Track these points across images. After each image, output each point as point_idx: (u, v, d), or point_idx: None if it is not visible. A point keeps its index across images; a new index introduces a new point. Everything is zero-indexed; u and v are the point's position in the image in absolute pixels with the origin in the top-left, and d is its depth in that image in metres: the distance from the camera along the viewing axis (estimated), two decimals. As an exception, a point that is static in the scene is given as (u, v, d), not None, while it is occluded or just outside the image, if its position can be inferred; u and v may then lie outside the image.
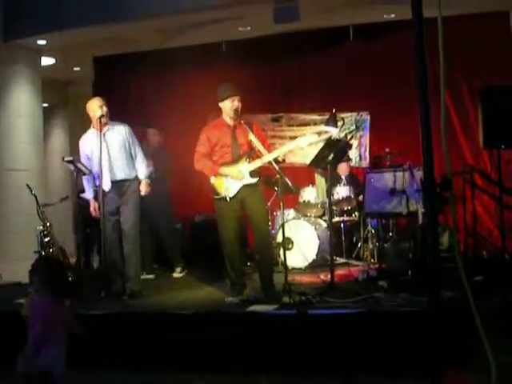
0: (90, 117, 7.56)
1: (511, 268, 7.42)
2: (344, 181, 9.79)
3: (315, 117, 10.83)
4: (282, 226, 7.33)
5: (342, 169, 9.86)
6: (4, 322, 6.78)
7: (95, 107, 7.51)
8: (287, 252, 7.76)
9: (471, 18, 9.68)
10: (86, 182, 7.66)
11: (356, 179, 9.96)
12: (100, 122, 7.40)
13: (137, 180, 7.65)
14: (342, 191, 9.46)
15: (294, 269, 8.89)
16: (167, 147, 9.77)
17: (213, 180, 7.08)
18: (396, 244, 7.90)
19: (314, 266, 9.00)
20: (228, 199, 7.00)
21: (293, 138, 10.67)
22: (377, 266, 8.27)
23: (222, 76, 9.31)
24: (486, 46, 9.57)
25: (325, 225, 9.44)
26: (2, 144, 9.59)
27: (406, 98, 8.68)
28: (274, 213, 9.65)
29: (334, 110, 7.68)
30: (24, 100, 10.01)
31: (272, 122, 11.11)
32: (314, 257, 9.06)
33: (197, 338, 6.21)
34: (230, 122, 7.13)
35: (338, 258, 8.98)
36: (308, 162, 7.59)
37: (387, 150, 9.30)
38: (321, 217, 9.77)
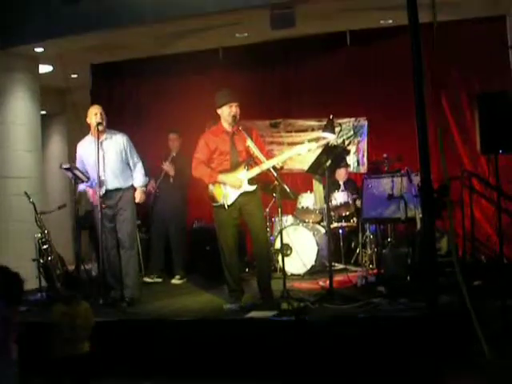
0: (89, 123, 7.59)
1: (509, 273, 7.41)
2: (342, 186, 9.78)
3: (313, 123, 10.83)
4: (281, 232, 7.34)
5: (340, 175, 9.86)
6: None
7: (91, 114, 7.58)
8: (286, 258, 7.77)
9: (468, 23, 9.68)
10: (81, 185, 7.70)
11: (354, 185, 9.96)
12: (97, 129, 7.42)
13: (132, 189, 7.67)
14: (340, 197, 9.46)
15: (292, 275, 8.90)
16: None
17: (211, 187, 7.09)
18: (394, 249, 7.90)
19: (312, 272, 9.00)
20: (226, 207, 7.00)
21: (291, 143, 10.67)
22: (375, 271, 8.26)
23: (219, 82, 9.34)
24: (483, 50, 9.56)
25: (323, 231, 9.44)
26: (0, 151, 9.57)
27: (403, 104, 8.69)
28: (273, 219, 9.66)
29: (331, 116, 7.69)
30: (22, 107, 10.00)
31: (270, 128, 11.10)
32: (312, 263, 9.05)
33: (195, 344, 6.20)
34: (229, 129, 7.14)
35: (336, 264, 8.97)
36: (306, 167, 7.59)
37: (385, 155, 9.28)
38: (319, 223, 9.77)
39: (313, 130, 10.78)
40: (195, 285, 9.02)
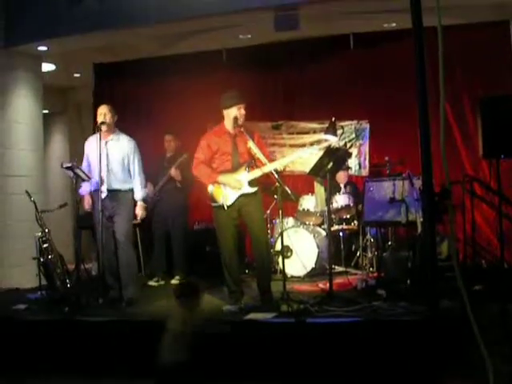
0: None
1: (510, 277, 7.40)
2: (343, 189, 9.78)
3: (315, 125, 10.83)
4: (281, 234, 7.33)
5: (341, 177, 9.86)
6: (2, 327, 6.78)
7: (97, 113, 7.61)
8: (286, 260, 7.76)
9: (472, 28, 9.68)
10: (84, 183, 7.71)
11: (355, 188, 9.95)
12: (99, 128, 7.43)
13: (131, 191, 7.68)
14: (341, 200, 9.46)
15: (292, 277, 8.90)
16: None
17: (211, 187, 7.08)
18: (395, 253, 7.89)
19: (312, 275, 8.99)
20: (226, 207, 6.99)
21: (293, 145, 10.69)
22: (375, 274, 8.26)
23: (222, 83, 9.35)
24: (486, 55, 9.57)
25: (324, 233, 9.44)
26: (1, 150, 9.56)
27: (405, 107, 8.70)
28: (273, 221, 9.66)
29: (333, 119, 7.69)
30: (24, 106, 10.00)
31: (272, 130, 11.11)
32: (312, 265, 9.05)
33: (194, 345, 6.19)
34: (231, 130, 7.13)
35: (336, 267, 8.96)
36: (307, 170, 7.58)
37: (387, 158, 9.27)
38: (320, 225, 9.76)
39: (315, 132, 10.79)
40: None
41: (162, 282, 9.42)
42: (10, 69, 9.77)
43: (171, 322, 4.96)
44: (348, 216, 9.47)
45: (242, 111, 7.08)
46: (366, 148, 10.71)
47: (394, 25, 9.88)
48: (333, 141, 7.90)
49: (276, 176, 6.85)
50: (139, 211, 7.73)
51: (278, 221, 9.23)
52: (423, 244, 6.81)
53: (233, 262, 7.15)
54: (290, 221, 9.68)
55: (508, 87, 8.94)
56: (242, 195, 6.99)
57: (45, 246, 8.15)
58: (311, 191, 9.79)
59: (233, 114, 7.07)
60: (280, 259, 7.87)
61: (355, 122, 10.69)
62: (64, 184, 12.87)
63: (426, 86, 2.89)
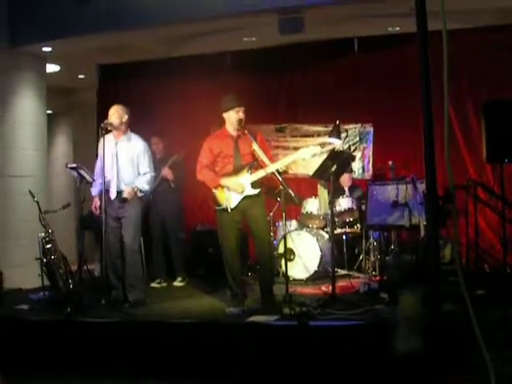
0: None
1: (513, 282, 7.40)
2: (347, 192, 9.78)
3: (319, 128, 10.84)
4: (284, 236, 7.33)
5: (345, 180, 9.85)
6: (5, 327, 6.79)
7: (108, 114, 7.62)
8: (289, 263, 7.77)
9: (476, 32, 9.68)
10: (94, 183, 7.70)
11: (359, 191, 9.95)
12: (102, 128, 7.44)
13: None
14: (344, 203, 9.45)
15: (295, 280, 8.88)
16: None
17: (214, 191, 7.09)
18: (398, 256, 7.90)
19: (315, 278, 8.99)
20: (229, 210, 7.00)
21: (296, 148, 10.61)
22: (378, 278, 8.24)
23: (226, 86, 9.35)
24: (490, 59, 9.56)
25: (327, 236, 9.43)
26: (5, 150, 9.58)
27: (409, 111, 8.70)
28: (277, 223, 9.65)
29: (337, 122, 7.69)
30: (28, 106, 10.02)
31: (276, 133, 11.12)
32: (315, 268, 9.04)
33: (196, 347, 6.20)
34: (233, 133, 7.14)
35: (339, 270, 8.95)
36: (311, 173, 7.58)
37: (390, 162, 9.27)
38: (323, 228, 9.76)
39: (319, 135, 10.79)
40: (197, 288, 9.01)
41: (165, 284, 9.42)
42: (15, 69, 9.79)
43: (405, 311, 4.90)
44: (351, 219, 9.45)
45: (241, 114, 7.07)
46: (369, 151, 10.71)
47: (398, 28, 9.88)
48: (337, 144, 7.90)
49: (280, 178, 6.85)
50: (129, 189, 7.53)
51: (281, 223, 9.22)
52: (426, 248, 6.83)
53: (235, 265, 7.15)
54: (293, 224, 9.67)
55: (512, 92, 8.93)
56: (246, 197, 6.99)
57: (48, 246, 8.15)
58: (314, 194, 9.78)
59: (232, 117, 7.07)
60: (283, 262, 7.86)
61: (359, 125, 10.69)
62: (67, 184, 12.91)
63: (431, 90, 2.89)
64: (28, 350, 6.55)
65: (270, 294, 7.11)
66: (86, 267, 8.88)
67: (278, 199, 8.63)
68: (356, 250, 9.70)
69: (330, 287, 7.14)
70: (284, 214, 7.26)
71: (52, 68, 11.10)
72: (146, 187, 7.68)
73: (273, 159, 7.17)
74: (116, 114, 7.57)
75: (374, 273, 8.93)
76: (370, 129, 10.68)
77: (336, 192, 8.73)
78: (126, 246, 7.56)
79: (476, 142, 9.47)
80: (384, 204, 7.61)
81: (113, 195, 7.51)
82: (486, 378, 3.03)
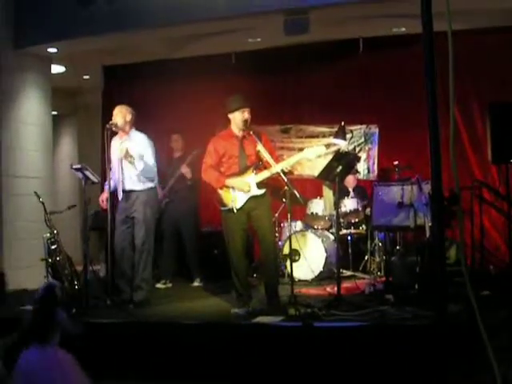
0: None
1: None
2: (352, 193, 9.78)
3: (324, 129, 10.83)
4: (289, 237, 7.32)
5: (350, 181, 9.84)
6: (10, 328, 6.79)
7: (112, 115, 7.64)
8: (294, 264, 7.76)
9: (481, 33, 9.67)
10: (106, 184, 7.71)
11: (364, 192, 9.95)
12: (107, 129, 7.45)
13: (146, 191, 7.64)
14: (349, 204, 9.45)
15: (300, 281, 8.88)
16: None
17: (220, 191, 7.09)
18: (403, 257, 7.88)
19: (320, 279, 8.99)
20: (235, 211, 6.99)
21: (301, 149, 10.58)
22: (383, 279, 8.23)
23: (231, 86, 9.35)
24: (496, 60, 9.55)
25: (332, 237, 9.43)
26: (10, 151, 9.59)
27: (415, 112, 8.68)
28: (282, 224, 9.64)
29: (342, 123, 7.69)
30: (34, 107, 10.03)
31: (281, 134, 11.12)
32: (320, 269, 9.04)
33: (202, 348, 6.20)
34: (238, 133, 7.14)
35: (344, 271, 8.95)
36: (316, 173, 7.58)
37: (395, 163, 9.26)
38: (328, 229, 9.76)
39: (324, 136, 10.78)
40: (203, 289, 9.02)
41: (170, 285, 9.40)
42: (20, 70, 9.80)
43: None
44: (356, 220, 9.45)
45: (246, 115, 7.07)
46: (374, 152, 10.70)
47: (403, 29, 9.87)
48: (342, 145, 7.90)
49: (285, 179, 6.85)
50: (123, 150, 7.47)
51: (286, 224, 9.22)
52: (431, 249, 6.82)
53: (241, 266, 7.16)
54: (298, 224, 9.66)
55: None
56: (251, 198, 6.99)
57: (53, 247, 8.16)
58: (320, 195, 9.77)
59: (237, 117, 7.08)
60: (288, 263, 7.86)
61: (364, 126, 10.69)
62: (73, 185, 12.93)
63: (436, 91, 2.88)
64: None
65: (275, 294, 7.11)
66: (91, 268, 8.88)
67: (284, 200, 8.62)
68: (361, 251, 9.69)
69: (335, 288, 7.13)
70: (289, 215, 7.25)
71: (57, 69, 11.11)
72: (143, 166, 7.54)
73: (278, 160, 7.16)
74: (120, 115, 7.59)
75: (379, 274, 8.92)
76: (375, 130, 10.67)
77: (341, 193, 8.72)
78: (136, 245, 7.55)
79: (481, 143, 9.48)
80: (389, 205, 7.59)
81: (120, 196, 7.52)
82: (492, 379, 3.02)
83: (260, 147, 6.97)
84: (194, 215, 9.62)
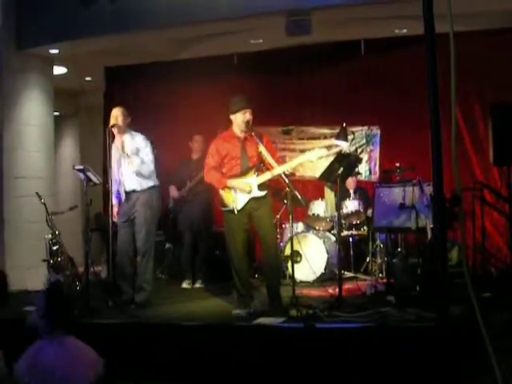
0: None
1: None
2: (353, 195, 9.77)
3: (326, 130, 10.83)
4: (291, 239, 7.32)
5: (350, 183, 9.83)
6: (11, 329, 6.79)
7: (111, 116, 7.63)
8: (295, 265, 7.76)
9: (483, 34, 9.67)
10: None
11: (365, 193, 9.94)
12: (110, 130, 7.46)
13: (147, 191, 7.63)
14: (351, 205, 9.45)
15: (301, 282, 8.87)
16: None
17: (221, 192, 7.09)
18: (404, 259, 7.88)
19: (322, 280, 8.98)
20: (236, 211, 7.00)
21: (303, 151, 10.66)
22: (385, 280, 8.23)
23: (233, 88, 9.36)
24: (498, 62, 9.55)
25: (333, 238, 9.42)
26: (12, 152, 9.60)
27: (416, 113, 8.69)
28: (283, 225, 9.64)
29: (344, 124, 7.69)
30: (35, 108, 10.04)
31: (282, 135, 11.11)
32: (322, 270, 9.04)
33: (203, 349, 6.20)
34: (240, 135, 7.13)
35: (346, 272, 8.94)
36: (318, 175, 7.59)
37: (397, 164, 9.25)
38: (329, 230, 9.75)
39: (325, 137, 10.79)
40: (204, 290, 9.02)
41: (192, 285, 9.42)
42: (22, 71, 9.80)
43: None
44: (358, 222, 9.45)
45: (248, 116, 7.06)
46: (376, 154, 10.70)
47: (405, 31, 9.87)
48: (343, 146, 7.90)
49: (286, 181, 6.86)
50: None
51: (287, 225, 9.21)
52: (433, 250, 6.82)
53: (242, 267, 7.16)
54: (299, 226, 9.66)
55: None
56: (252, 199, 6.99)
57: (55, 248, 8.17)
58: (321, 196, 9.77)
59: (239, 118, 7.06)
60: (289, 264, 7.86)
61: (366, 127, 10.68)
62: (74, 186, 12.93)
63: (438, 93, 2.88)
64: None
65: (276, 295, 7.10)
66: (92, 269, 8.88)
67: (285, 201, 8.62)
68: (363, 253, 9.69)
69: (337, 289, 7.14)
70: (291, 216, 7.25)
71: (59, 70, 11.11)
72: (138, 161, 7.52)
73: (279, 161, 7.16)
74: (122, 116, 7.60)
75: (380, 275, 8.91)
76: (376, 131, 10.67)
77: (342, 194, 8.72)
78: (137, 246, 7.56)
79: (483, 144, 9.48)
80: (391, 206, 7.59)
81: (123, 197, 7.53)
82: (494, 381, 3.02)
83: (262, 148, 6.97)
84: (209, 219, 9.63)
